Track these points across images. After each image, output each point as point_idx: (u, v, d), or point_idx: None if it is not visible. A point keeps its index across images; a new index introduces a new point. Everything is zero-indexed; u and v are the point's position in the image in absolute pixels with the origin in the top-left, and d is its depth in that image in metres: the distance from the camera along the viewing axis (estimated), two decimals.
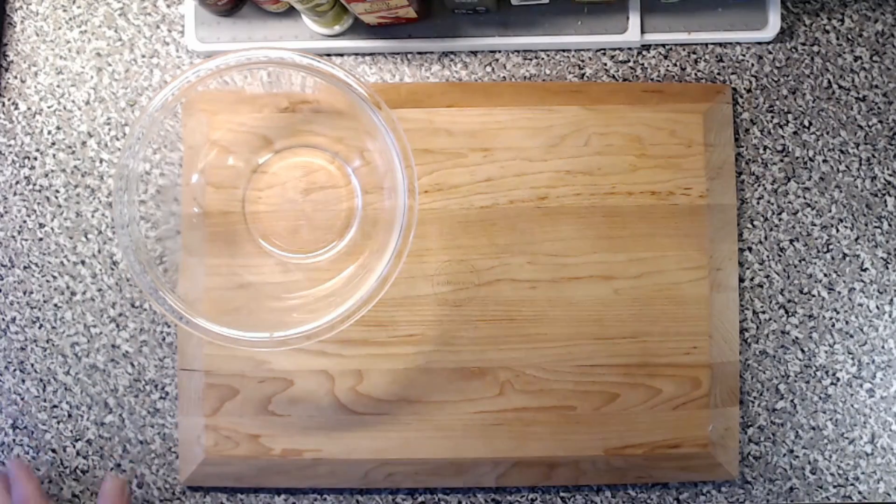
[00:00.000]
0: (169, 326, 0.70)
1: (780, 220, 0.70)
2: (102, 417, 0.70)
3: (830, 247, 0.70)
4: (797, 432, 0.69)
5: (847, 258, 0.69)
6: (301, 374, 0.68)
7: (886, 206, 0.70)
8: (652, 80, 0.71)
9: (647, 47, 0.71)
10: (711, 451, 0.67)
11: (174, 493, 0.70)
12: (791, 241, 0.70)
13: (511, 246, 0.68)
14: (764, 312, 0.69)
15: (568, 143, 0.68)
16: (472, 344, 0.68)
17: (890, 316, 0.69)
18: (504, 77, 0.71)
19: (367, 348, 0.68)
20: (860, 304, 0.69)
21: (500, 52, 0.71)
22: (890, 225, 0.70)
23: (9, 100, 0.72)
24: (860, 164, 0.70)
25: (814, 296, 0.69)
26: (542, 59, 0.71)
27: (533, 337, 0.67)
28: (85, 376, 0.70)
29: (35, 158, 0.72)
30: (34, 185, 0.72)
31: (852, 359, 0.69)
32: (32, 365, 0.71)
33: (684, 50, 0.71)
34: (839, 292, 0.69)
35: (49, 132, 0.72)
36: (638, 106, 0.68)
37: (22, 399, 0.71)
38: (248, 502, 0.70)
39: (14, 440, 0.71)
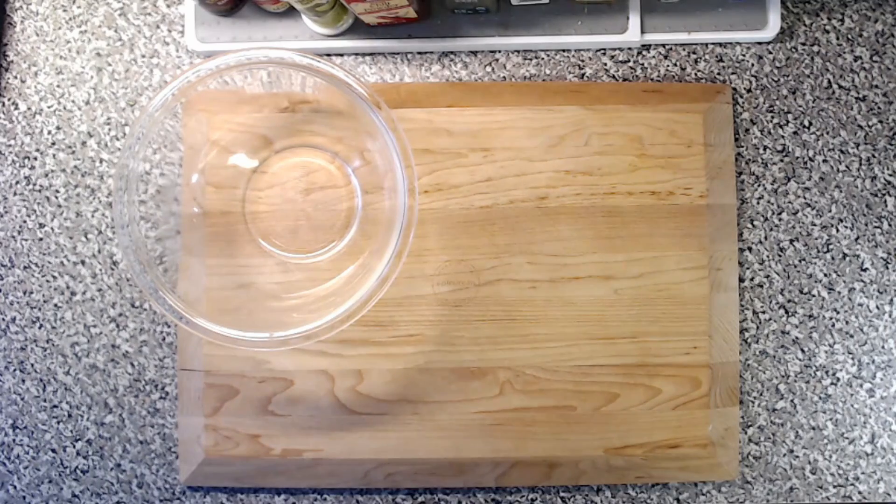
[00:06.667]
0: (169, 326, 0.70)
1: (780, 220, 0.70)
2: (102, 417, 0.70)
3: (830, 247, 0.70)
4: (797, 432, 0.69)
5: (847, 258, 0.70)
6: (301, 374, 0.68)
7: (886, 206, 0.70)
8: (652, 80, 0.71)
9: (647, 47, 0.71)
10: (711, 451, 0.67)
11: (174, 493, 0.70)
12: (791, 241, 0.70)
13: (511, 246, 0.68)
14: (764, 312, 0.69)
15: (568, 143, 0.68)
16: (471, 344, 0.68)
17: (890, 316, 0.69)
18: (504, 77, 0.71)
19: (367, 348, 0.68)
20: (860, 304, 0.69)
21: (500, 52, 0.71)
22: (890, 225, 0.70)
23: (9, 100, 0.72)
24: (860, 164, 0.70)
25: (814, 296, 0.69)
26: (542, 59, 0.71)
27: (533, 337, 0.67)
28: (85, 376, 0.70)
29: (35, 158, 0.72)
30: (34, 185, 0.72)
31: (852, 359, 0.69)
32: (32, 365, 0.71)
33: (684, 50, 0.71)
34: (839, 292, 0.69)
35: (49, 132, 0.72)
36: (638, 106, 0.68)
37: (22, 399, 0.71)
38: (248, 502, 0.70)
39: (14, 440, 0.71)
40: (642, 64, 0.71)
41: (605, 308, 0.68)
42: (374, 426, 0.68)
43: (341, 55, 0.72)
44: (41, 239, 0.71)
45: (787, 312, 0.69)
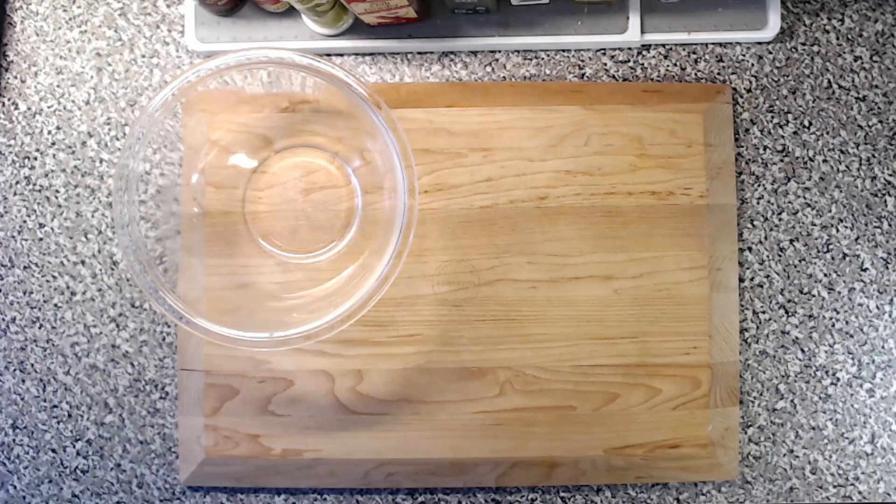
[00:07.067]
0: (169, 326, 0.70)
1: (780, 220, 0.70)
2: (102, 417, 0.70)
3: (830, 247, 0.70)
4: (797, 432, 0.69)
5: (847, 258, 0.69)
6: (301, 374, 0.68)
7: (886, 206, 0.70)
8: (652, 80, 0.71)
9: (647, 47, 0.71)
10: (711, 451, 0.67)
11: (174, 493, 0.70)
12: (791, 241, 0.70)
13: (511, 246, 0.68)
14: (764, 312, 0.69)
15: (568, 143, 0.68)
16: (472, 344, 0.68)
17: (890, 316, 0.69)
18: (504, 77, 0.71)
19: (367, 348, 0.68)
20: (860, 304, 0.69)
21: (500, 52, 0.71)
22: (890, 225, 0.70)
23: (9, 100, 0.72)
24: (860, 164, 0.70)
25: (814, 296, 0.69)
26: (542, 59, 0.71)
27: (533, 337, 0.67)
28: (85, 376, 0.70)
29: (35, 158, 0.72)
30: (34, 185, 0.72)
31: (852, 359, 0.69)
32: (32, 365, 0.71)
33: (684, 50, 0.71)
34: (839, 292, 0.69)
35: (49, 132, 0.72)
36: (638, 106, 0.68)
37: (22, 399, 0.71)
38: (248, 502, 0.70)
39: (14, 440, 0.71)
40: (642, 64, 0.71)
41: (605, 308, 0.68)
42: (374, 426, 0.68)
43: (341, 55, 0.72)
44: (41, 239, 0.71)
45: (787, 312, 0.69)
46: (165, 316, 0.61)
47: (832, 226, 0.70)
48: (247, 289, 0.68)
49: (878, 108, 0.70)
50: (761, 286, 0.69)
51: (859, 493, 0.69)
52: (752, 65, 0.70)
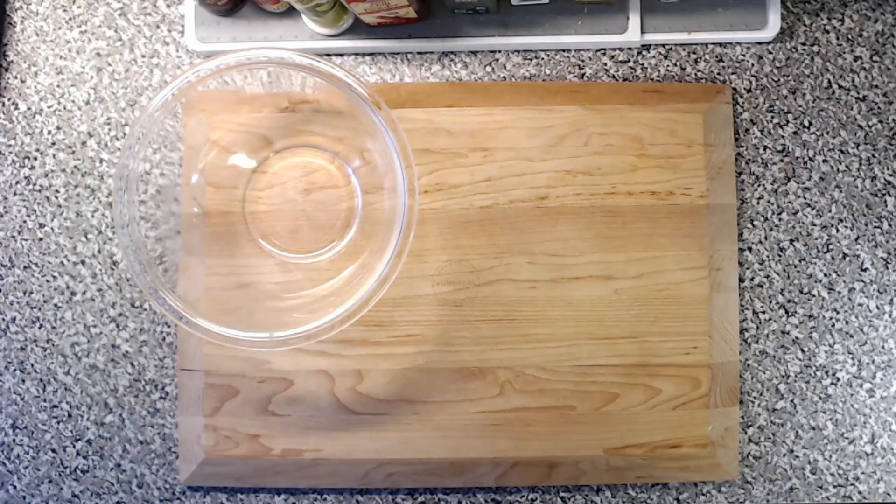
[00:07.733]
0: (169, 326, 0.70)
1: (780, 220, 0.70)
2: (102, 417, 0.70)
3: (830, 247, 0.70)
4: (797, 432, 0.69)
5: (847, 258, 0.70)
6: (301, 374, 0.68)
7: (886, 206, 0.70)
8: (652, 80, 0.71)
9: (647, 47, 0.71)
10: (711, 451, 0.67)
11: (174, 493, 0.70)
12: (791, 241, 0.70)
13: (511, 246, 0.68)
14: (764, 312, 0.69)
15: (568, 143, 0.68)
16: (472, 344, 0.68)
17: (890, 316, 0.69)
18: (504, 77, 0.71)
19: (367, 348, 0.68)
20: (860, 304, 0.69)
21: (500, 52, 0.71)
22: (890, 225, 0.70)
23: (9, 100, 0.72)
24: (860, 164, 0.70)
25: (814, 296, 0.69)
26: (542, 59, 0.71)
27: (533, 337, 0.67)
28: (85, 376, 0.70)
29: (35, 158, 0.72)
30: (34, 185, 0.72)
31: (852, 359, 0.69)
32: (32, 365, 0.71)
33: (684, 50, 0.71)
34: (839, 292, 0.69)
35: (49, 132, 0.72)
36: (638, 106, 0.68)
37: (22, 399, 0.71)
38: (248, 502, 0.70)
39: (14, 440, 0.71)
40: (642, 64, 0.71)
41: (605, 308, 0.68)
42: (374, 426, 0.68)
43: (341, 55, 0.72)
44: (41, 239, 0.71)
45: (787, 312, 0.69)
46: (165, 316, 0.61)
47: (832, 226, 0.70)
48: (247, 289, 0.68)
49: (878, 108, 0.70)
50: (761, 286, 0.69)
51: (859, 493, 0.69)
52: (752, 65, 0.70)
